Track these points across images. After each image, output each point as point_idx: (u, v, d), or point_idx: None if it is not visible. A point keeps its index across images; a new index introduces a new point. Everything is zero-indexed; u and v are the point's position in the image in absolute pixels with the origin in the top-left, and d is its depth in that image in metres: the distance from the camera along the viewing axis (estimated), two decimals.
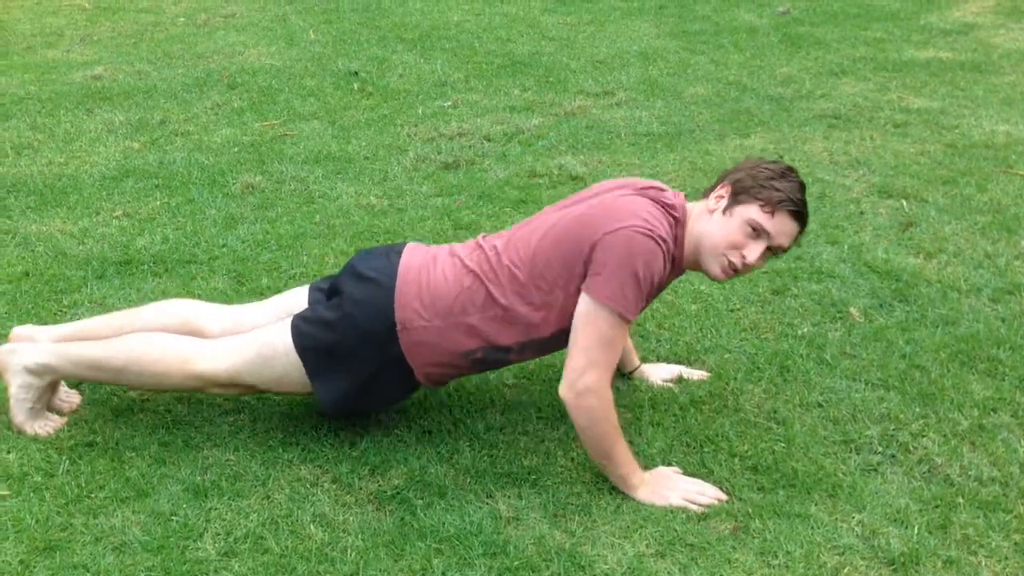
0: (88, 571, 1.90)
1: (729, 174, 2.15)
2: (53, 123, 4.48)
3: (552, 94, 4.87)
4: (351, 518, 2.04)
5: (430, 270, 2.15)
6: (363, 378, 2.15)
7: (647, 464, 2.18)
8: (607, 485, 2.12)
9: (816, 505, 2.07)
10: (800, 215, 2.08)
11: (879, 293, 2.93)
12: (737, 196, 2.08)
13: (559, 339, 2.12)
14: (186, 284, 2.99)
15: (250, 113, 4.62)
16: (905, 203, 3.56)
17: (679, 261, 2.13)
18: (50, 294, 2.92)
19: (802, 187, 2.10)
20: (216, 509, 2.05)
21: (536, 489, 2.12)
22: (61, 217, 3.48)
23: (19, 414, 2.26)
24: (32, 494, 2.09)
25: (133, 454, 2.22)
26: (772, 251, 2.10)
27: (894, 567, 1.91)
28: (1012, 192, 3.64)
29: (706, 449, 2.26)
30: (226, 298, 2.90)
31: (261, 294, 2.93)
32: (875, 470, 2.19)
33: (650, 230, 2.00)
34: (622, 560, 1.92)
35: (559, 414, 2.35)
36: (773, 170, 2.08)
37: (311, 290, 2.32)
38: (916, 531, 2.00)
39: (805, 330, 2.73)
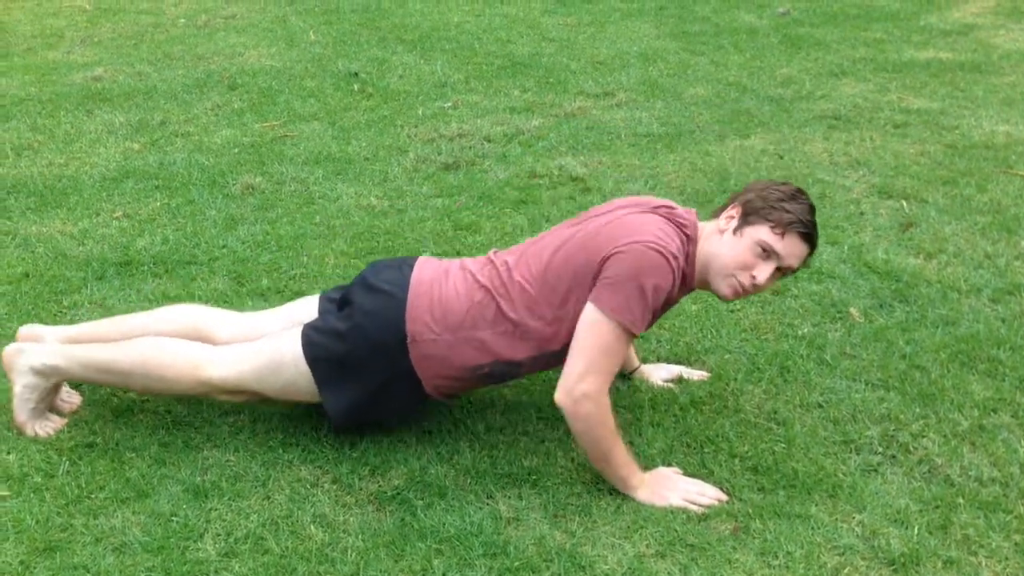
0: (88, 572, 1.90)
1: (739, 195, 2.18)
2: (53, 124, 4.48)
3: (552, 95, 4.87)
4: (351, 519, 2.04)
5: (442, 284, 2.17)
6: (372, 389, 2.16)
7: (647, 465, 2.18)
8: (607, 486, 2.12)
9: (816, 505, 2.07)
10: (810, 237, 2.10)
11: (879, 293, 2.93)
12: (747, 217, 2.11)
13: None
14: (186, 285, 2.99)
15: (250, 114, 4.62)
16: (905, 204, 3.56)
17: (689, 279, 2.14)
18: (50, 295, 2.92)
19: (812, 209, 2.12)
20: (216, 510, 2.05)
21: (536, 490, 2.12)
22: (61, 218, 3.48)
23: (21, 414, 2.26)
24: (32, 495, 2.09)
25: (133, 455, 2.22)
26: (781, 272, 2.12)
27: (894, 567, 1.91)
28: (1012, 192, 3.64)
29: (706, 450, 2.26)
30: (226, 299, 2.90)
31: (261, 295, 2.93)
32: (875, 470, 2.19)
33: (662, 246, 2.02)
34: (622, 560, 1.92)
35: (559, 415, 2.34)
36: (783, 192, 2.11)
37: (321, 299, 2.33)
38: (916, 531, 2.00)
39: (805, 331, 2.73)
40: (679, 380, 2.52)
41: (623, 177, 3.82)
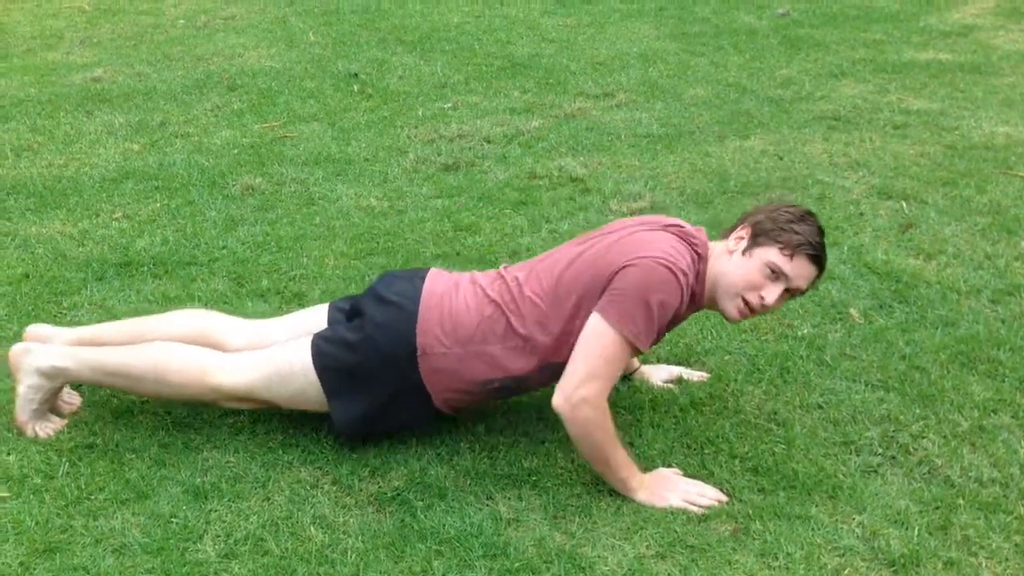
0: (88, 573, 1.90)
1: (749, 216, 2.19)
2: (53, 125, 4.48)
3: (552, 96, 4.87)
4: (351, 520, 2.04)
5: (452, 297, 2.17)
6: (381, 400, 2.16)
7: (647, 466, 2.18)
8: (607, 487, 2.12)
9: (816, 506, 2.07)
10: (818, 259, 2.12)
11: (879, 294, 2.93)
12: (757, 238, 2.11)
13: None
14: (186, 286, 2.99)
15: (250, 115, 4.62)
16: (905, 204, 3.56)
17: (698, 297, 2.15)
18: (50, 296, 2.92)
19: (821, 231, 2.13)
20: (216, 511, 2.05)
21: (536, 491, 2.12)
22: (61, 219, 3.48)
23: (23, 414, 2.26)
24: (32, 496, 2.09)
25: (133, 456, 2.22)
26: (790, 293, 2.13)
27: (894, 568, 1.91)
28: (1012, 193, 3.64)
29: (706, 450, 2.26)
30: (226, 300, 2.90)
31: (261, 296, 2.93)
32: (875, 471, 2.19)
33: (672, 262, 2.03)
34: (622, 561, 1.92)
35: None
36: (793, 213, 2.12)
37: (331, 309, 2.33)
38: (916, 532, 2.00)
39: (805, 331, 2.73)
40: (679, 381, 2.52)
41: (623, 178, 3.82)
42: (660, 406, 2.41)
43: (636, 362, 2.54)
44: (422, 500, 2.08)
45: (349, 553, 1.94)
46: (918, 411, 2.38)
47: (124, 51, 5.78)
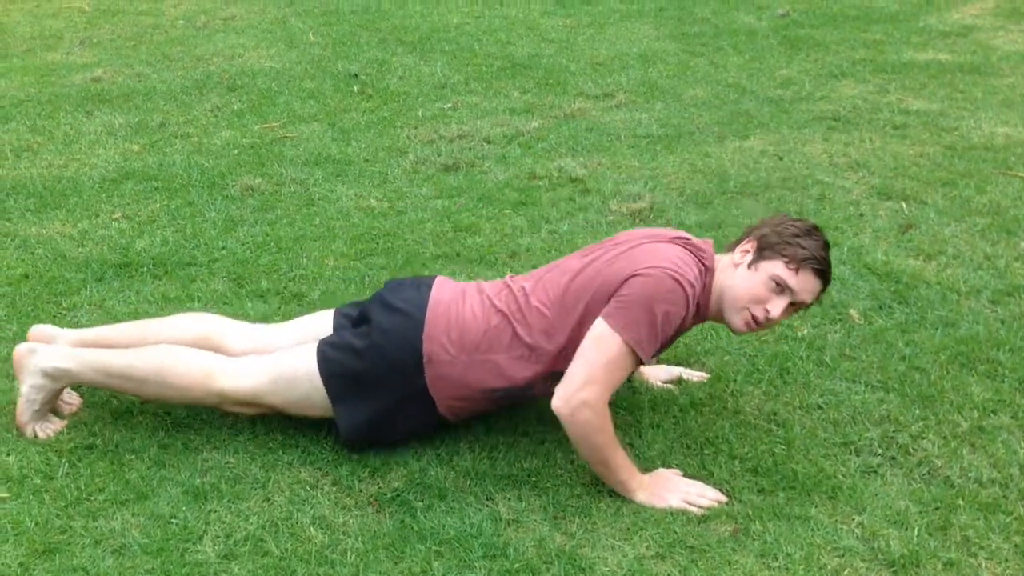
0: (87, 574, 1.90)
1: (754, 229, 2.20)
2: (53, 125, 4.48)
3: (552, 96, 4.87)
4: (351, 520, 2.04)
5: (459, 305, 2.18)
6: (386, 407, 2.17)
7: (647, 466, 2.18)
8: (607, 487, 2.12)
9: (816, 507, 2.07)
10: (824, 273, 2.12)
11: (879, 295, 2.93)
12: (762, 251, 2.12)
13: None
14: (185, 287, 2.99)
15: (250, 115, 4.62)
16: (904, 205, 3.56)
17: (704, 309, 2.16)
18: (49, 296, 2.92)
19: (826, 245, 2.14)
20: (216, 512, 2.05)
21: (536, 491, 2.12)
22: (60, 219, 3.48)
23: (24, 414, 2.26)
24: (32, 497, 2.09)
25: (133, 457, 2.22)
26: (795, 307, 2.14)
27: (894, 569, 1.91)
28: (1011, 194, 3.64)
29: (706, 451, 2.26)
30: (226, 300, 2.90)
31: (261, 296, 2.93)
32: (875, 472, 2.19)
33: (679, 273, 2.04)
34: (622, 562, 1.92)
35: None
36: (798, 227, 2.13)
37: (336, 315, 2.34)
38: (916, 533, 2.00)
39: (805, 332, 2.73)
40: (679, 381, 2.52)
41: (622, 178, 3.82)
42: (660, 406, 2.41)
43: None
44: (422, 501, 2.08)
45: (349, 554, 1.94)
46: (918, 412, 2.38)
47: (124, 51, 5.78)
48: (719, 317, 2.18)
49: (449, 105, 4.75)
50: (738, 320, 2.13)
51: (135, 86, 5.05)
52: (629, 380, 2.51)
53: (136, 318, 2.79)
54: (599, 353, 2.02)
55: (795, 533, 1.99)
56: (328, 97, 4.88)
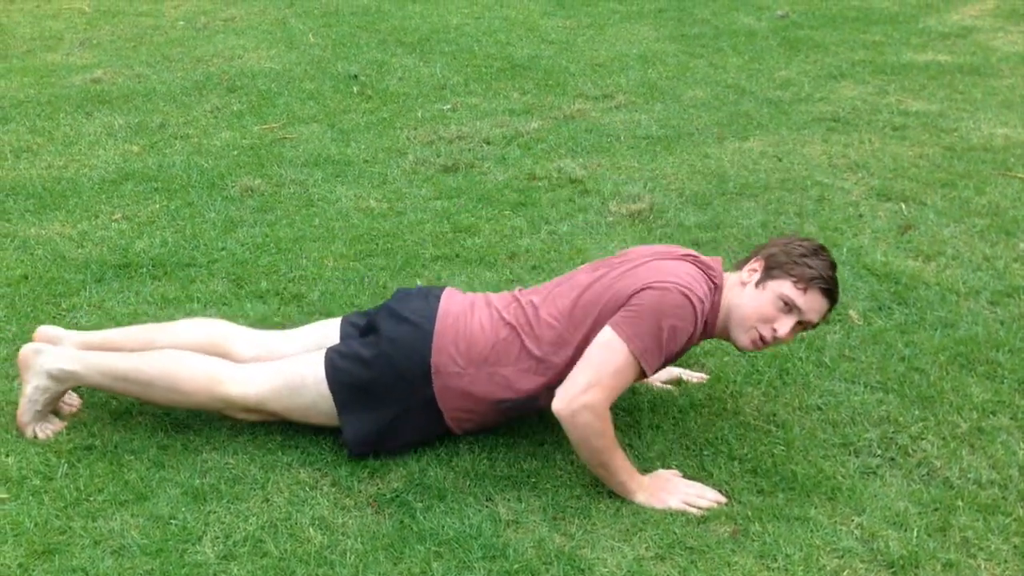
0: (87, 574, 1.89)
1: (762, 249, 2.22)
2: (52, 126, 4.48)
3: (551, 97, 4.87)
4: (350, 521, 2.04)
5: (467, 317, 2.19)
6: (392, 416, 2.17)
7: (646, 467, 2.18)
8: (606, 488, 2.12)
9: (815, 508, 2.07)
10: (831, 293, 2.14)
11: (878, 296, 2.93)
12: (770, 271, 2.14)
13: None
14: (185, 287, 2.99)
15: (249, 116, 4.62)
16: (904, 206, 3.56)
17: (711, 326, 2.16)
18: (49, 297, 2.92)
19: (833, 266, 2.16)
20: (215, 512, 2.05)
21: (536, 492, 2.12)
22: (60, 220, 3.48)
23: (25, 415, 2.26)
24: (31, 497, 2.09)
25: (132, 457, 2.22)
26: (801, 326, 2.15)
27: (893, 570, 1.91)
28: (1010, 195, 3.64)
29: (705, 452, 2.26)
30: (225, 301, 2.90)
31: (260, 297, 2.93)
32: (874, 473, 2.19)
33: (689, 289, 2.06)
34: (621, 563, 1.92)
35: None
36: (806, 247, 2.15)
37: (343, 323, 2.34)
38: (915, 534, 2.00)
39: (804, 333, 2.73)
40: (678, 382, 2.52)
41: (622, 179, 3.83)
42: (659, 407, 2.41)
43: None
44: (421, 501, 2.08)
45: (348, 554, 1.94)
46: (917, 413, 2.38)
47: (124, 52, 5.78)
48: (725, 335, 2.19)
49: (449, 106, 4.75)
50: (745, 339, 2.14)
51: (135, 87, 5.05)
52: None
53: (136, 319, 2.79)
54: (604, 359, 2.03)
55: (794, 534, 1.99)
56: (328, 98, 4.88)
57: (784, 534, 1.99)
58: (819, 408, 2.42)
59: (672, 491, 2.09)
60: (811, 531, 2.00)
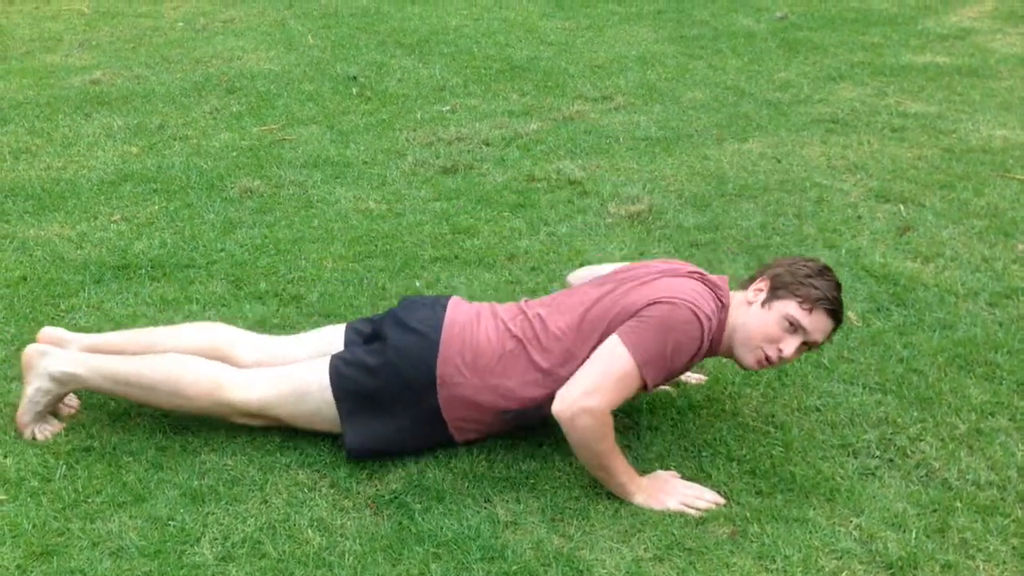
0: None
1: (768, 268, 2.23)
2: (51, 127, 4.48)
3: (550, 99, 4.88)
4: (349, 523, 2.03)
5: (474, 327, 2.19)
6: (397, 425, 2.17)
7: (645, 468, 2.18)
8: (605, 490, 2.12)
9: (814, 509, 2.07)
10: (836, 314, 2.14)
11: (877, 297, 2.93)
12: (776, 291, 2.15)
13: None
14: (184, 289, 2.99)
15: (249, 117, 4.62)
16: (903, 207, 3.56)
17: (716, 344, 2.17)
18: (48, 299, 2.92)
19: (838, 286, 2.17)
20: (213, 514, 2.05)
21: (534, 493, 2.12)
22: (59, 221, 3.48)
23: (25, 415, 2.26)
24: (29, 499, 2.09)
25: (130, 459, 2.21)
26: (806, 346, 2.16)
27: (892, 571, 1.91)
28: (1009, 196, 3.64)
29: (704, 453, 2.26)
30: (224, 303, 2.90)
31: (259, 298, 2.93)
32: (873, 474, 2.19)
33: (697, 306, 2.07)
34: (620, 564, 1.92)
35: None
36: (811, 268, 2.16)
37: (348, 330, 2.34)
38: (914, 535, 2.00)
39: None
40: (677, 384, 2.52)
41: (621, 181, 3.83)
42: (658, 409, 2.41)
43: None
44: (420, 503, 2.08)
45: (347, 556, 1.94)
46: (916, 414, 2.38)
47: (123, 54, 5.78)
48: (729, 353, 2.20)
49: (448, 107, 4.75)
50: (750, 358, 2.15)
51: (134, 88, 5.06)
52: None
53: (134, 320, 2.79)
54: (607, 365, 2.04)
55: (793, 535, 1.99)
56: (327, 99, 4.88)
57: (783, 535, 1.99)
58: (818, 409, 2.42)
59: (671, 492, 2.09)
60: (810, 532, 2.00)
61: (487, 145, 4.22)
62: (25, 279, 3.04)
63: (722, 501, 2.09)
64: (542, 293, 2.96)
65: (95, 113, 4.67)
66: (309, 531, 2.01)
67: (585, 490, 2.13)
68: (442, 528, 2.00)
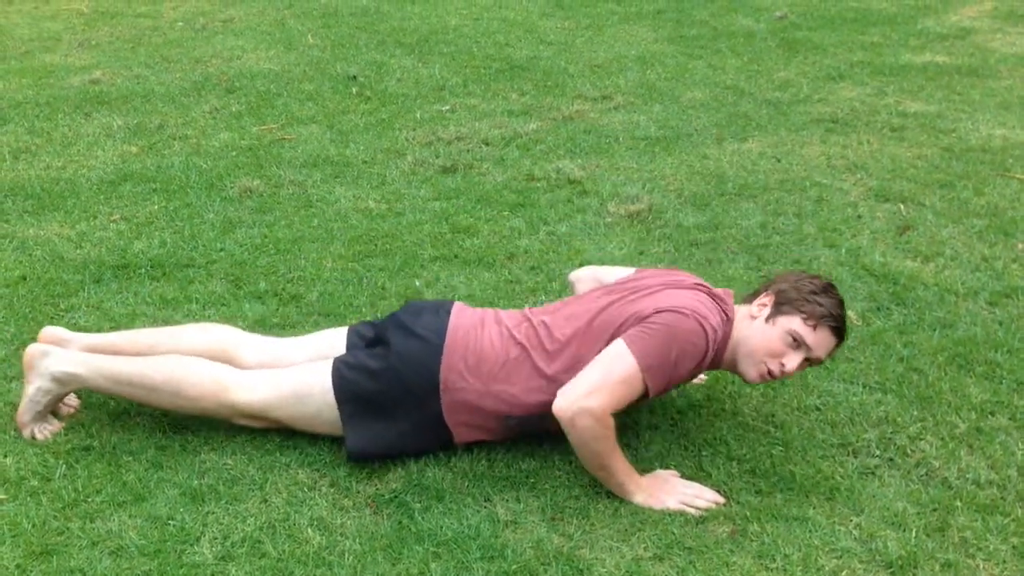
0: (85, 575, 1.89)
1: (772, 283, 2.23)
2: (51, 127, 4.48)
3: (550, 98, 4.88)
4: (348, 522, 2.03)
5: (477, 333, 2.19)
6: (398, 429, 2.17)
7: (645, 468, 2.18)
8: (605, 489, 2.12)
9: (814, 508, 2.07)
10: (840, 331, 2.15)
11: (877, 296, 2.93)
12: (780, 306, 2.15)
13: None
14: (183, 288, 2.99)
15: (248, 117, 4.62)
16: (902, 207, 3.56)
17: (719, 357, 2.17)
18: (47, 298, 2.92)
19: (842, 304, 2.18)
20: (213, 513, 2.05)
21: (534, 492, 2.12)
22: (59, 221, 3.48)
23: (26, 415, 2.26)
24: (29, 498, 2.09)
25: (130, 458, 2.21)
26: (809, 362, 2.16)
27: (892, 570, 1.91)
28: (1009, 196, 3.64)
29: (704, 452, 2.26)
30: (224, 302, 2.90)
31: (259, 298, 2.93)
32: (873, 473, 2.19)
33: (703, 318, 2.07)
34: (620, 563, 1.92)
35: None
36: (816, 285, 2.17)
37: (350, 333, 2.34)
38: (914, 534, 2.00)
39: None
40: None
41: (621, 180, 3.83)
42: (657, 408, 2.41)
43: None
44: (420, 502, 2.08)
45: (346, 555, 1.94)
46: (916, 413, 2.38)
47: (122, 53, 5.78)
48: (733, 367, 2.20)
49: (447, 107, 4.75)
50: (753, 372, 2.15)
51: (133, 88, 5.05)
52: None
53: (134, 320, 2.79)
54: (611, 367, 2.04)
55: (793, 534, 1.99)
56: (327, 99, 4.88)
57: (782, 534, 1.99)
58: (818, 408, 2.42)
59: (670, 491, 2.09)
60: (809, 531, 2.00)
61: (487, 144, 4.22)
62: (25, 279, 3.04)
63: (722, 500, 2.09)
64: (542, 292, 2.96)
65: (94, 113, 4.67)
66: (309, 530, 2.01)
67: (585, 489, 2.13)
68: (442, 527, 2.00)
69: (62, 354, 2.28)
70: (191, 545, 1.97)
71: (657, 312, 2.07)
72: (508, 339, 2.18)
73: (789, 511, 2.05)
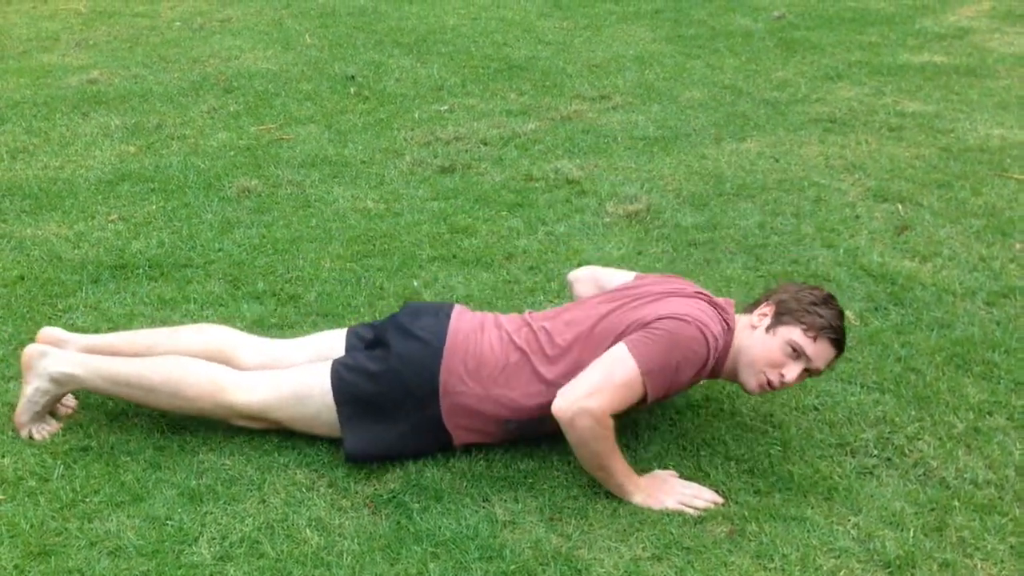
0: (83, 575, 1.89)
1: (773, 294, 2.24)
2: (49, 127, 4.47)
3: (548, 98, 4.88)
4: (347, 522, 2.03)
5: (477, 336, 2.20)
6: (397, 432, 2.17)
7: (643, 468, 2.18)
8: (603, 489, 2.12)
9: (812, 508, 2.07)
10: (839, 342, 2.16)
11: (874, 296, 2.94)
12: (781, 317, 2.16)
13: None
14: (182, 288, 2.99)
15: (246, 117, 4.62)
16: (900, 207, 3.57)
17: (720, 365, 2.17)
18: (45, 298, 2.92)
19: (842, 315, 2.18)
20: (211, 513, 2.05)
21: (532, 493, 2.12)
22: (56, 221, 3.48)
23: (24, 415, 2.26)
24: (27, 499, 2.09)
25: (128, 458, 2.21)
26: (808, 372, 2.17)
27: (890, 570, 1.92)
28: (1007, 196, 3.65)
29: (702, 452, 2.26)
30: (222, 302, 2.90)
31: (257, 298, 2.93)
32: (871, 473, 2.19)
33: (706, 327, 2.08)
34: (618, 564, 1.92)
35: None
36: (816, 296, 2.18)
37: (349, 334, 2.34)
38: (912, 534, 2.00)
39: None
40: None
41: (619, 180, 3.83)
42: (656, 408, 2.41)
43: None
44: (418, 502, 2.08)
45: (345, 555, 1.94)
46: (913, 413, 2.39)
47: (120, 53, 5.77)
48: (732, 376, 2.21)
49: (446, 107, 4.75)
50: (753, 382, 2.16)
51: (131, 88, 5.05)
52: None
53: (132, 320, 2.79)
54: (611, 370, 2.04)
55: (791, 534, 1.99)
56: (325, 99, 4.88)
57: (781, 534, 1.99)
58: (816, 408, 2.42)
59: (669, 491, 2.09)
60: (808, 531, 2.00)
61: (485, 144, 4.22)
62: (22, 279, 3.04)
63: (720, 500, 2.09)
64: (540, 292, 2.96)
65: (92, 112, 4.66)
66: (307, 531, 2.01)
67: (583, 489, 2.13)
68: (440, 528, 2.00)
69: (60, 355, 2.27)
70: (189, 545, 1.97)
71: (659, 319, 2.07)
72: (508, 343, 2.18)
73: (787, 511, 2.06)
